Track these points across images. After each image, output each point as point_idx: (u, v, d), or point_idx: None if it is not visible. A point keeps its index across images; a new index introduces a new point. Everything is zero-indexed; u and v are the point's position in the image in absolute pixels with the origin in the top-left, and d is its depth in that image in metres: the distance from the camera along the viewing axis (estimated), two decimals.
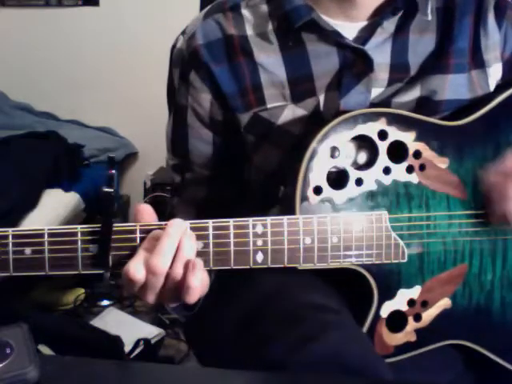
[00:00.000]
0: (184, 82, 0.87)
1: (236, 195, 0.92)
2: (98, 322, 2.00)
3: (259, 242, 0.68)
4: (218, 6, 0.87)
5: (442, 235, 0.77)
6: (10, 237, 0.64)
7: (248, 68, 0.83)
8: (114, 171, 0.65)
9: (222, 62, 0.83)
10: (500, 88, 0.84)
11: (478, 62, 0.84)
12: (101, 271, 0.66)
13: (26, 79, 2.79)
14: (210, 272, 0.71)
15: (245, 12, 0.85)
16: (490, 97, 0.82)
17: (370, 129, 0.74)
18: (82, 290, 2.25)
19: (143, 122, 2.69)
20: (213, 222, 0.67)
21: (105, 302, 2.25)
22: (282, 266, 0.70)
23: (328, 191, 0.73)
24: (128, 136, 2.76)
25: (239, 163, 0.90)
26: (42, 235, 0.64)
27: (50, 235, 0.64)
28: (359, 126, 0.74)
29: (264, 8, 0.84)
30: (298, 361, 0.67)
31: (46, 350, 1.57)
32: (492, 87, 0.85)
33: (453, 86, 0.83)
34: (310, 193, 0.73)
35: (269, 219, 0.69)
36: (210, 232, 0.67)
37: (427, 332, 0.78)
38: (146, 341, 1.85)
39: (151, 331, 1.97)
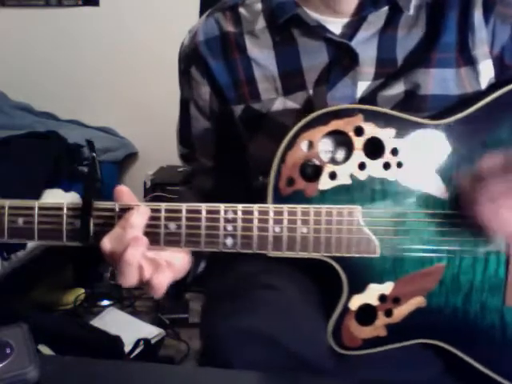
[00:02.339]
0: (187, 76, 0.94)
1: (238, 186, 0.95)
2: (97, 322, 2.00)
3: (229, 228, 0.72)
4: (219, 6, 0.93)
5: (418, 233, 0.77)
6: (7, 208, 0.70)
7: (242, 63, 0.88)
8: (94, 154, 0.69)
9: (218, 57, 0.89)
10: (491, 88, 0.83)
11: (466, 58, 0.83)
12: (83, 244, 0.71)
13: (25, 79, 2.79)
14: (199, 258, 0.80)
15: (242, 10, 0.91)
16: (477, 96, 0.81)
17: (346, 124, 0.75)
18: (82, 290, 2.25)
19: (143, 122, 2.69)
20: (186, 206, 0.71)
21: (105, 302, 2.25)
22: (252, 251, 0.73)
23: (300, 183, 0.75)
24: (128, 136, 2.76)
25: (240, 154, 0.93)
26: (32, 208, 0.70)
27: (40, 208, 0.71)
28: (334, 122, 0.75)
29: (258, 6, 0.90)
30: (227, 331, 0.73)
31: (46, 350, 1.57)
32: (483, 85, 0.84)
33: (438, 81, 0.82)
34: (282, 183, 0.75)
35: (240, 206, 0.72)
36: (183, 215, 0.71)
37: (399, 328, 0.78)
38: (146, 341, 1.85)
39: (151, 331, 1.97)
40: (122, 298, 2.25)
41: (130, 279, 0.68)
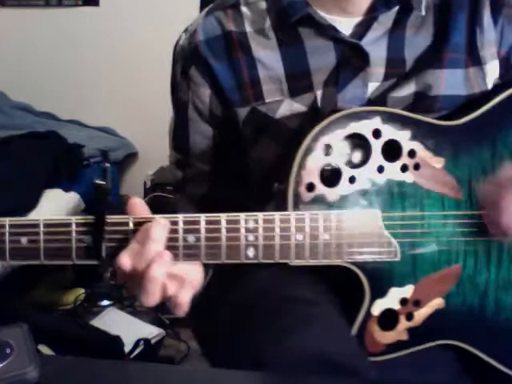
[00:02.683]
0: (185, 77, 0.89)
1: (236, 192, 0.93)
2: (97, 322, 2.00)
3: (251, 238, 0.69)
4: (219, 4, 0.89)
5: (435, 235, 0.77)
6: (7, 226, 0.65)
7: (246, 63, 0.85)
8: (107, 164, 0.65)
9: (220, 58, 0.86)
10: (498, 87, 0.84)
11: (474, 58, 0.84)
12: (94, 262, 0.66)
13: (25, 79, 2.79)
14: (207, 268, 0.72)
15: (244, 9, 0.87)
16: (487, 96, 0.82)
17: (364, 127, 0.74)
18: (82, 290, 2.25)
19: (143, 122, 2.69)
20: (205, 217, 0.67)
21: (105, 302, 2.25)
22: (274, 261, 0.70)
23: (320, 188, 0.73)
24: (128, 136, 2.76)
25: (238, 159, 0.91)
26: (37, 225, 0.65)
27: (46, 225, 0.65)
28: (353, 124, 0.74)
29: (262, 4, 0.87)
30: (276, 355, 0.69)
31: (46, 350, 1.57)
32: (490, 85, 0.84)
33: (449, 82, 0.83)
34: (302, 190, 0.73)
35: (260, 215, 0.69)
36: (202, 226, 0.67)
37: (419, 331, 0.78)
38: (146, 341, 1.86)
39: (151, 331, 1.97)
40: (122, 298, 2.25)
41: (153, 297, 0.64)
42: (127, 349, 1.78)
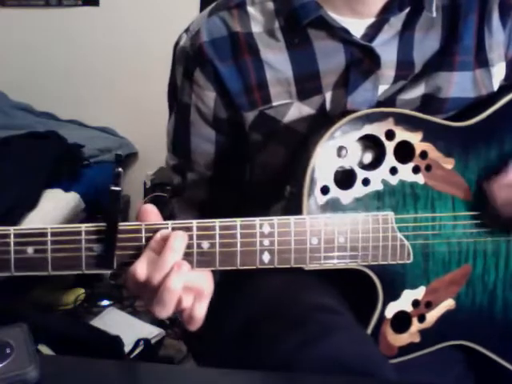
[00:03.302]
0: (188, 79, 0.86)
1: (236, 196, 0.92)
2: (97, 322, 2.00)
3: (266, 242, 0.68)
4: (223, 4, 0.86)
5: (446, 236, 0.77)
6: (12, 236, 0.62)
7: (253, 65, 0.82)
8: (120, 169, 0.62)
9: (227, 60, 0.83)
10: (504, 88, 0.84)
11: (481, 60, 0.84)
12: (105, 271, 0.65)
13: (26, 79, 2.79)
14: (213, 272, 0.70)
15: (250, 9, 0.84)
16: (494, 97, 0.82)
17: (378, 129, 0.74)
18: (82, 290, 2.25)
19: (143, 122, 2.69)
20: (219, 222, 0.66)
21: (105, 302, 2.25)
22: (289, 266, 0.69)
23: (335, 191, 0.73)
24: (128, 136, 2.76)
25: (241, 163, 0.90)
26: (44, 234, 0.62)
27: (53, 234, 0.62)
28: (367, 126, 0.73)
29: (270, 5, 0.84)
30: (301, 364, 0.67)
31: (46, 350, 1.57)
32: (496, 86, 0.85)
33: (458, 84, 0.83)
34: (317, 192, 0.72)
35: (275, 219, 0.68)
36: (217, 232, 0.66)
37: (431, 333, 0.78)
38: (146, 341, 1.85)
39: (151, 331, 1.97)
40: (122, 297, 2.25)
41: (168, 309, 0.63)
42: (127, 349, 1.78)
